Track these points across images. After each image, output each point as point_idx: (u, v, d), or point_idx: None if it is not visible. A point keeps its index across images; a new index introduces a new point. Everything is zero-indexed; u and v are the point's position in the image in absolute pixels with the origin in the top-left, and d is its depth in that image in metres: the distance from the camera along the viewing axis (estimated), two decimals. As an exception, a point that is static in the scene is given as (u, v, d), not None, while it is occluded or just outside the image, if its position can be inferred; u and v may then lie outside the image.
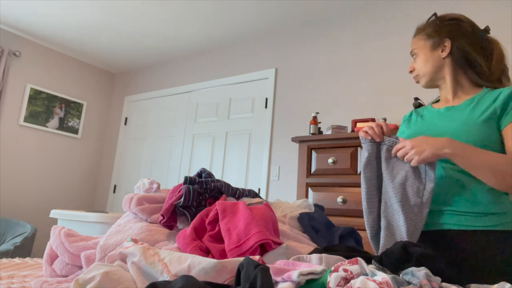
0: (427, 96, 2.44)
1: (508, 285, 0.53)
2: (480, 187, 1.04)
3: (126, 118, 4.52)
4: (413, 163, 1.01)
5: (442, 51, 1.19)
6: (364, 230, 2.07)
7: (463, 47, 1.17)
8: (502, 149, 1.06)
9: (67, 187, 4.24)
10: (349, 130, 2.57)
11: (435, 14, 1.24)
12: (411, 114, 1.33)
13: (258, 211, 0.92)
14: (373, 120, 2.44)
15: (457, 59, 1.18)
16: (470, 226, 1.03)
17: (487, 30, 1.21)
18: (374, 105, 2.77)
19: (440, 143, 0.99)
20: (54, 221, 3.80)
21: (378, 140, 1.09)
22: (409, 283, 0.54)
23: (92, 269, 0.70)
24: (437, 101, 1.31)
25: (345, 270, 0.54)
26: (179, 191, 1.09)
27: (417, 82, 1.26)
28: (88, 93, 4.50)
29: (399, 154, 1.04)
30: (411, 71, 1.27)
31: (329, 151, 2.33)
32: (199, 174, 1.18)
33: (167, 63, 4.30)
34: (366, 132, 1.11)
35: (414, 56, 1.26)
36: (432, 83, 1.24)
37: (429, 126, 1.19)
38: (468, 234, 1.03)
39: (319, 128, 2.56)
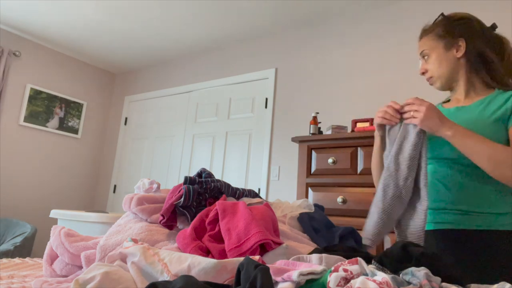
0: (428, 96, 2.44)
1: (508, 285, 0.53)
2: (488, 187, 1.04)
3: (126, 118, 4.52)
4: (412, 121, 0.99)
5: (456, 51, 1.15)
6: (364, 230, 2.07)
7: (478, 46, 1.14)
8: None
9: (67, 187, 4.24)
10: (349, 130, 2.57)
11: (442, 14, 1.21)
12: None
13: (258, 211, 0.92)
14: (373, 120, 2.43)
15: (472, 59, 1.15)
16: (478, 225, 1.03)
17: (494, 27, 1.18)
18: (374, 105, 2.77)
19: (446, 122, 0.99)
20: (54, 221, 3.80)
21: (395, 122, 1.04)
22: (409, 283, 0.54)
23: (92, 269, 0.70)
24: (448, 101, 1.28)
25: (345, 270, 0.54)
26: (179, 191, 1.09)
27: (431, 84, 1.21)
28: (88, 93, 4.50)
29: (406, 107, 1.01)
30: (423, 73, 1.21)
31: (329, 151, 2.33)
32: (199, 174, 1.18)
33: (167, 63, 4.30)
34: (384, 118, 1.06)
35: (425, 57, 1.20)
36: (448, 85, 1.19)
37: None
38: (476, 234, 1.03)
39: (319, 128, 2.56)
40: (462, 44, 1.15)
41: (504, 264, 0.99)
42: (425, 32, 1.22)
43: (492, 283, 0.58)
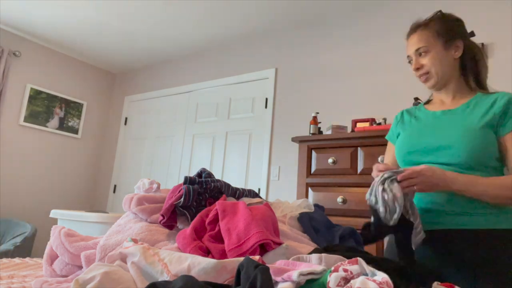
0: (426, 95, 2.44)
1: (508, 285, 0.53)
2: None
3: (126, 118, 4.52)
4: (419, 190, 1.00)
5: (455, 52, 1.15)
6: (364, 230, 2.07)
7: (473, 48, 1.17)
8: (499, 155, 1.07)
9: (67, 187, 4.24)
10: (349, 130, 2.57)
11: (440, 11, 1.21)
12: (402, 115, 1.31)
13: (258, 211, 0.92)
14: (373, 120, 2.43)
15: (467, 60, 1.16)
16: (473, 225, 1.03)
17: (473, 34, 1.21)
18: (374, 105, 2.77)
19: (449, 179, 1.01)
20: (54, 221, 3.80)
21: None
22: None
23: (92, 269, 0.70)
24: (428, 101, 1.29)
25: (345, 270, 0.54)
26: (179, 191, 1.09)
27: (424, 80, 1.18)
28: (88, 93, 4.50)
29: (404, 183, 0.98)
30: (417, 68, 1.17)
31: (329, 151, 2.33)
32: (199, 174, 1.18)
33: (167, 63, 4.30)
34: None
35: (422, 53, 1.16)
36: (441, 84, 1.18)
37: (426, 129, 1.18)
38: (471, 233, 1.03)
39: (319, 128, 2.56)
40: (460, 45, 1.16)
41: (506, 262, 0.98)
42: (422, 27, 1.19)
43: (498, 282, 0.58)
